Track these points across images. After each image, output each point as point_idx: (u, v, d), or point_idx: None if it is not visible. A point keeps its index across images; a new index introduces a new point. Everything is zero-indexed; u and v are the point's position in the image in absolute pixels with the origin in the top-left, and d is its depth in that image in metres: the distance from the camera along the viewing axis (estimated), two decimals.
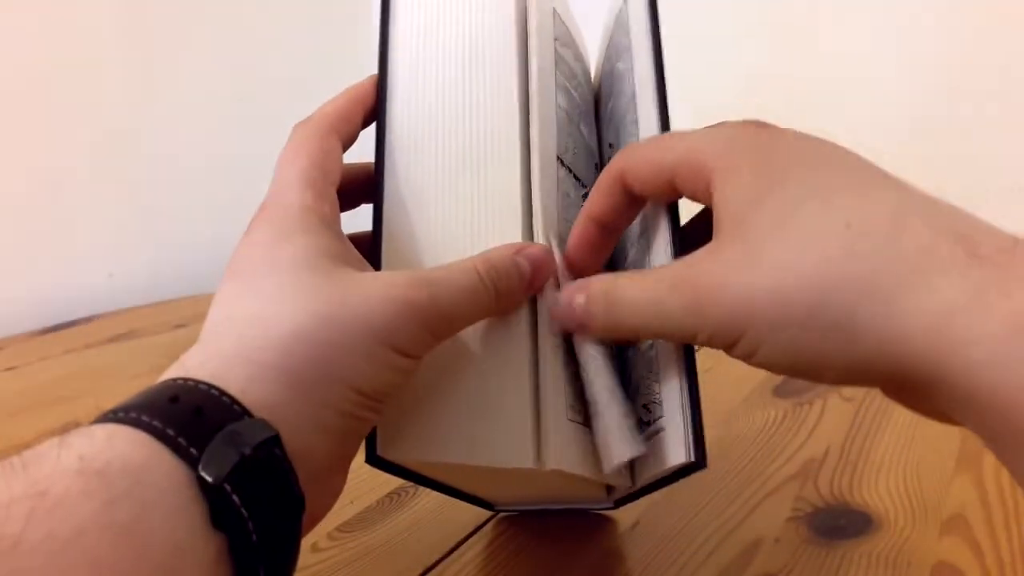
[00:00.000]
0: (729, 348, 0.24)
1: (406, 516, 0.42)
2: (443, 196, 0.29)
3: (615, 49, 0.36)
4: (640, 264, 0.31)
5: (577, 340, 0.30)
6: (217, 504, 0.20)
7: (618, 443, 0.28)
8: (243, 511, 0.20)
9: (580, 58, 0.38)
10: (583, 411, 0.30)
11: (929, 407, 0.23)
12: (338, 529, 0.41)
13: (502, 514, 0.42)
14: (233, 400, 0.22)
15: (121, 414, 0.21)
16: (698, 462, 0.27)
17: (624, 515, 0.41)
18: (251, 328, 0.24)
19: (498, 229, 0.29)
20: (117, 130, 0.91)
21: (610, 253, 0.32)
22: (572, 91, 0.34)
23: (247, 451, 0.21)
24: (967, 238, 0.21)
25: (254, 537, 0.21)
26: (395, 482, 0.45)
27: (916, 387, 0.22)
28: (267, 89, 1.03)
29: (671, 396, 0.29)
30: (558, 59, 0.33)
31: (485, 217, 0.29)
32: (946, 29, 0.79)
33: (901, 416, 0.51)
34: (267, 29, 1.05)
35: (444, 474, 0.33)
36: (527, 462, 0.27)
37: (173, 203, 0.96)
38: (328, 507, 0.26)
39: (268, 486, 0.21)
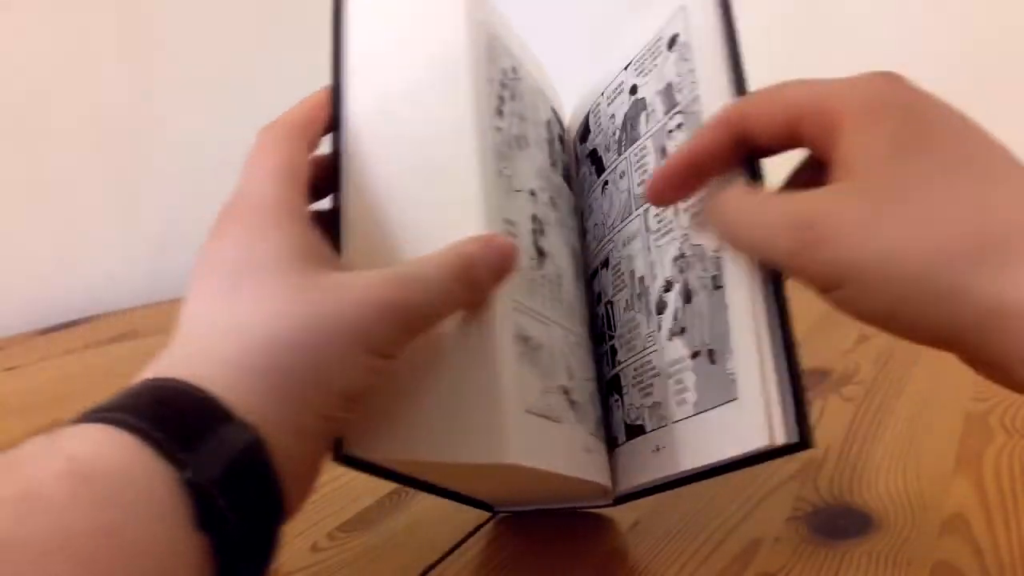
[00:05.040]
0: (826, 292, 0.25)
1: (406, 516, 0.42)
2: (401, 201, 0.30)
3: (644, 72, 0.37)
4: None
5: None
6: (203, 506, 0.21)
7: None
8: (228, 514, 0.21)
9: (535, 90, 0.39)
10: (552, 406, 0.31)
11: (1010, 378, 0.24)
12: (338, 529, 0.41)
13: (501, 515, 0.42)
14: (218, 404, 0.22)
15: (108, 414, 0.21)
16: (803, 441, 0.27)
17: (624, 515, 0.41)
18: (234, 331, 0.24)
19: (459, 227, 0.30)
20: (117, 130, 0.91)
21: (692, 193, 0.32)
22: (517, 115, 0.36)
23: (233, 454, 0.21)
24: None
25: (238, 538, 0.21)
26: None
27: (1004, 365, 0.23)
28: (267, 90, 1.03)
29: (750, 366, 0.29)
30: (504, 84, 0.34)
31: (444, 220, 0.30)
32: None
33: (901, 416, 0.51)
34: (268, 31, 1.05)
35: (426, 473, 0.33)
36: (492, 457, 0.28)
37: (173, 203, 0.96)
38: (301, 504, 0.27)
39: (252, 488, 0.22)
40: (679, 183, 0.31)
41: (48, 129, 0.84)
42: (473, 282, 0.28)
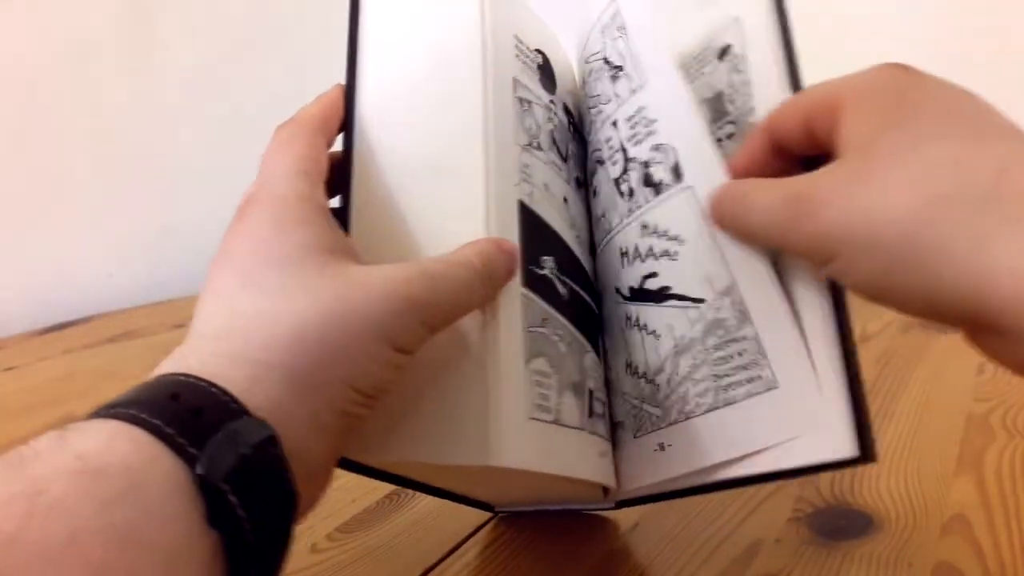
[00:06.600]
0: (823, 264, 0.25)
1: (406, 517, 0.42)
2: (409, 198, 0.30)
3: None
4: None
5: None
6: (215, 504, 0.20)
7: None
8: (240, 511, 0.20)
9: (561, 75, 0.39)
10: (555, 411, 0.30)
11: (1009, 353, 0.23)
12: (337, 530, 0.41)
13: (502, 515, 0.42)
14: (233, 399, 0.22)
15: (121, 410, 0.21)
16: (865, 455, 0.26)
17: (625, 516, 0.41)
18: (255, 326, 0.24)
19: (460, 230, 0.30)
20: (117, 130, 0.91)
21: None
22: (540, 105, 0.36)
23: (246, 451, 0.21)
24: None
25: (250, 537, 0.21)
26: None
27: (998, 330, 0.22)
28: (266, 92, 1.03)
29: (797, 371, 0.28)
30: (518, 82, 0.34)
31: (449, 221, 0.30)
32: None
33: (902, 416, 0.51)
34: (265, 32, 1.05)
35: (426, 476, 0.33)
36: (481, 459, 0.28)
37: (173, 203, 0.96)
38: (316, 502, 0.26)
39: (265, 486, 0.22)
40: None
41: (48, 129, 0.84)
42: (494, 281, 0.28)
